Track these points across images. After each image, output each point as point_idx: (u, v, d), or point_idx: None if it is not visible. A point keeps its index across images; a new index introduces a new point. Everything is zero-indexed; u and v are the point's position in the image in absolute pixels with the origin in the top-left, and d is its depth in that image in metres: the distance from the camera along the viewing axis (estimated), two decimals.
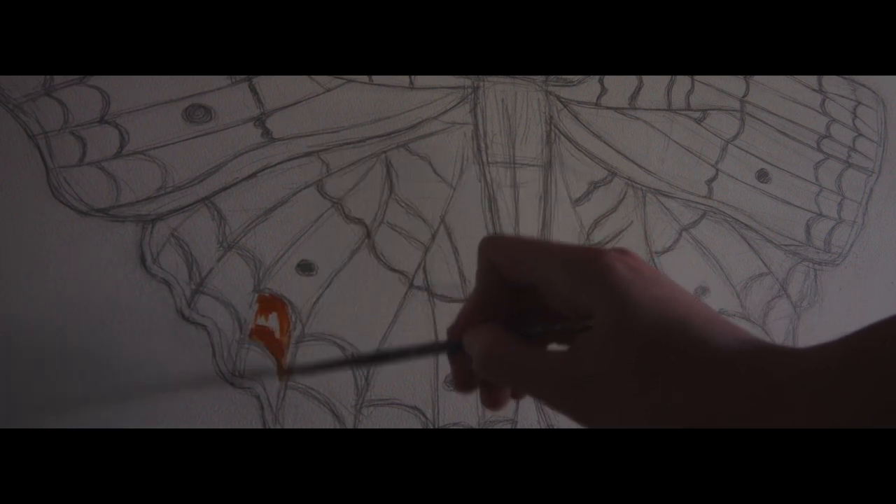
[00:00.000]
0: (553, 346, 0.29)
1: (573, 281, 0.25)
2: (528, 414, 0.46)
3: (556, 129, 0.48)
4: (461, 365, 0.30)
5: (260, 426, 0.39)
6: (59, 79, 0.37)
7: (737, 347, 0.23)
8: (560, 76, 0.48)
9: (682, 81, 0.51)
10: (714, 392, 0.22)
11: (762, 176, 0.53)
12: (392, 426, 0.42)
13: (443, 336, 0.44)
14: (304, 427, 0.40)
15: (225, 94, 0.40)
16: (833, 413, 0.20)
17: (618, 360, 0.23)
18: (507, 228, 0.46)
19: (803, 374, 0.21)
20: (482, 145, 0.46)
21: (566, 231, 0.47)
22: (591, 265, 0.25)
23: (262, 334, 0.40)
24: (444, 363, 0.44)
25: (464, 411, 0.44)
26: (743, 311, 0.52)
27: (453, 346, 0.30)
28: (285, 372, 0.40)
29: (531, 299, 0.29)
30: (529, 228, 0.46)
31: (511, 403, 0.45)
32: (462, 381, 0.31)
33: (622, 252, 0.26)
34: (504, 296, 0.29)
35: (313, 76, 0.42)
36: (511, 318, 0.29)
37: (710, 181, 0.52)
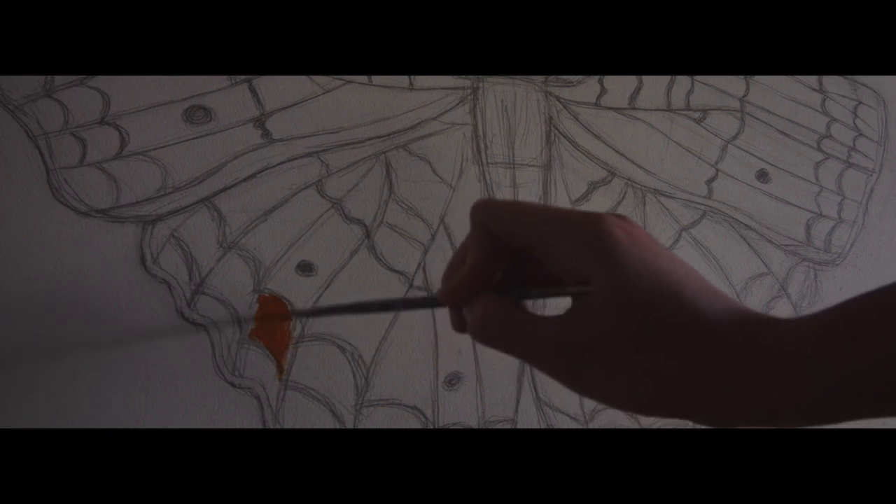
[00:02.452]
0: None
1: (572, 244, 0.25)
2: (528, 414, 0.46)
3: (555, 129, 0.48)
4: (458, 315, 0.30)
5: (260, 426, 0.39)
6: (59, 80, 0.37)
7: (729, 318, 0.23)
8: (560, 76, 0.48)
9: (682, 81, 0.51)
10: (707, 361, 0.22)
11: (762, 176, 0.53)
12: (392, 426, 0.42)
13: (443, 337, 0.44)
14: (304, 427, 0.40)
15: (225, 94, 0.40)
16: (820, 381, 0.20)
17: (615, 327, 0.23)
18: None
19: (792, 343, 0.22)
20: (482, 146, 0.46)
21: None
22: (589, 229, 0.25)
23: (262, 334, 0.40)
24: (444, 364, 0.44)
25: (464, 411, 0.44)
26: None
27: (444, 305, 0.30)
28: (290, 315, 0.40)
29: (525, 263, 0.29)
30: None
31: (511, 403, 0.45)
32: (458, 325, 0.30)
33: (621, 218, 0.26)
34: (497, 260, 0.28)
35: (313, 77, 0.42)
36: (503, 282, 0.29)
37: (710, 181, 0.52)
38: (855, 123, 0.56)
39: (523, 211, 0.27)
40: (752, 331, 0.23)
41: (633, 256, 0.24)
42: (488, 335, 0.27)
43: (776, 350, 0.22)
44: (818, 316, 0.22)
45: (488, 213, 0.28)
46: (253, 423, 0.39)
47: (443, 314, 0.44)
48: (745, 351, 0.22)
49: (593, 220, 0.25)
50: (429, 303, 0.31)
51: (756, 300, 0.52)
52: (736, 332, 0.23)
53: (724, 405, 0.22)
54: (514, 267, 0.29)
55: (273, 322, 0.40)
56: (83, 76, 0.37)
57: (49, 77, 0.37)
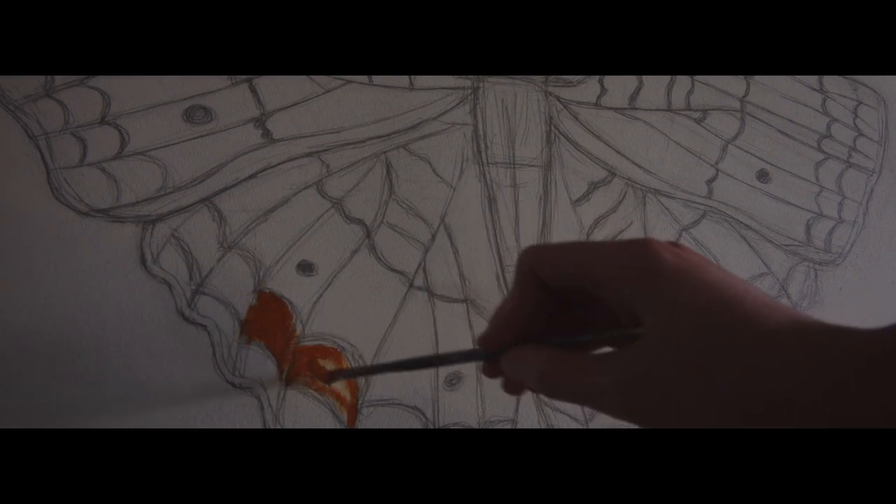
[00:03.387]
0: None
1: (619, 269, 0.25)
2: (528, 414, 0.46)
3: (555, 129, 0.48)
4: (492, 368, 0.30)
5: (260, 426, 0.39)
6: (59, 80, 0.37)
7: (796, 329, 0.22)
8: (560, 76, 0.48)
9: (682, 81, 0.51)
10: (774, 375, 0.21)
11: (762, 176, 0.53)
12: (392, 426, 0.42)
13: (443, 337, 0.44)
14: (304, 427, 0.40)
15: (225, 94, 0.40)
16: (888, 390, 0.19)
17: (674, 353, 0.23)
18: (507, 229, 0.46)
19: (866, 356, 0.20)
20: (482, 146, 0.46)
21: (566, 231, 0.47)
22: (637, 252, 0.24)
23: (256, 329, 0.40)
24: None
25: (464, 411, 0.44)
26: None
27: (488, 356, 0.29)
28: (327, 378, 0.40)
29: (569, 307, 0.28)
30: (529, 229, 0.46)
31: (511, 403, 0.45)
32: (492, 372, 0.30)
33: (672, 243, 0.25)
34: (543, 305, 0.28)
35: (313, 77, 0.42)
36: (548, 328, 0.29)
37: (710, 181, 0.52)
38: (855, 123, 0.56)
39: (572, 248, 0.27)
40: (822, 343, 0.21)
41: (683, 276, 0.23)
42: (555, 391, 0.26)
43: (850, 362, 0.20)
44: (891, 328, 0.21)
45: (538, 259, 0.27)
46: (253, 423, 0.39)
47: (443, 315, 0.44)
48: (816, 364, 0.21)
49: (639, 244, 0.25)
50: (474, 355, 0.31)
51: None
52: (805, 344, 0.21)
53: (797, 420, 0.21)
54: (562, 314, 0.29)
55: (273, 322, 0.40)
56: (83, 76, 0.37)
57: (49, 77, 0.37)
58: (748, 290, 0.23)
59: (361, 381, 0.42)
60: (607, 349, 0.27)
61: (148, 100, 0.38)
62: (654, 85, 0.50)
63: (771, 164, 0.53)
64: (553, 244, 0.28)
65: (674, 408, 0.23)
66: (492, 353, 0.29)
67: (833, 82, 0.56)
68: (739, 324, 0.22)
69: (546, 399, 0.46)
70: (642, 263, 0.24)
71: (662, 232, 0.50)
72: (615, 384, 0.24)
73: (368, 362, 0.42)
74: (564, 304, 0.29)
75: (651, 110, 0.50)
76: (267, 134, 0.41)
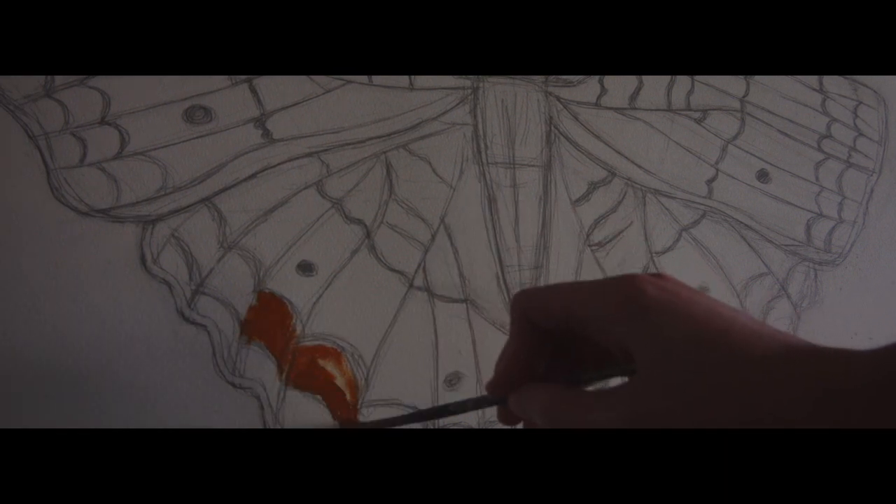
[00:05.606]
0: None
1: (605, 314, 0.25)
2: None
3: (555, 129, 0.48)
4: (506, 413, 0.30)
5: (260, 426, 0.39)
6: (59, 80, 0.37)
7: (783, 353, 0.22)
8: (560, 76, 0.48)
9: (682, 81, 0.51)
10: (766, 400, 0.21)
11: (762, 176, 0.53)
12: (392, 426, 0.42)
13: (443, 337, 0.44)
14: (304, 427, 0.40)
15: (225, 94, 0.40)
16: (882, 414, 0.19)
17: (665, 390, 0.23)
18: (507, 229, 0.46)
19: (858, 377, 0.20)
20: (482, 146, 0.46)
21: (566, 231, 0.47)
22: (622, 292, 0.25)
23: (256, 329, 0.40)
24: (444, 363, 0.44)
25: None
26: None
27: (497, 402, 0.30)
28: (348, 423, 0.41)
29: (568, 345, 0.29)
30: (529, 229, 0.46)
31: None
32: (508, 419, 0.31)
33: (655, 276, 0.25)
34: (541, 346, 0.29)
35: (313, 77, 0.42)
36: (549, 368, 0.29)
37: (710, 181, 0.52)
38: (855, 123, 0.56)
39: (559, 290, 0.27)
40: (813, 365, 0.21)
41: (669, 309, 0.23)
42: (559, 426, 0.27)
43: (841, 385, 0.20)
44: (888, 350, 0.21)
45: (528, 303, 0.28)
46: (253, 423, 0.39)
47: (443, 315, 0.44)
48: (802, 386, 0.21)
49: (625, 283, 0.25)
50: (483, 402, 0.32)
51: (756, 300, 0.52)
52: (795, 367, 0.21)
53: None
54: (563, 353, 0.29)
55: (273, 322, 0.40)
56: (83, 76, 0.37)
57: (49, 77, 0.37)
58: (736, 319, 0.23)
59: (361, 381, 0.42)
60: (612, 383, 0.27)
61: (148, 100, 0.38)
62: (654, 85, 0.50)
63: (771, 164, 0.53)
64: (542, 288, 0.29)
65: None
66: (499, 398, 0.30)
67: (833, 82, 0.56)
68: (727, 354, 0.22)
69: None
70: (627, 301, 0.24)
71: (662, 232, 0.50)
72: (616, 420, 0.24)
73: (368, 362, 0.42)
74: (565, 342, 0.29)
75: (651, 110, 0.50)
76: (267, 134, 0.41)
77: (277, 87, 0.41)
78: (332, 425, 0.41)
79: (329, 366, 0.41)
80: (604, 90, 0.49)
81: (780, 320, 0.53)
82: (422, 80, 0.44)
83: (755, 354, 0.22)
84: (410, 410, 0.43)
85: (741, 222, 0.52)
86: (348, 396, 0.41)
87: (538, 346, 0.29)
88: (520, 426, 0.32)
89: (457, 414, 0.36)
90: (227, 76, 0.40)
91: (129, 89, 0.38)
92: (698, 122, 0.51)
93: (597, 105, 0.49)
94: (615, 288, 0.25)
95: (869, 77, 0.57)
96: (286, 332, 0.41)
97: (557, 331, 0.28)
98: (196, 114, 0.39)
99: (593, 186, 0.48)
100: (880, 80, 0.57)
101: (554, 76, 0.48)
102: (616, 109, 0.49)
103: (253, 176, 0.40)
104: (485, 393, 0.31)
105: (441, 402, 0.44)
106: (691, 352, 0.23)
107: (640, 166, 0.50)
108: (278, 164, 0.41)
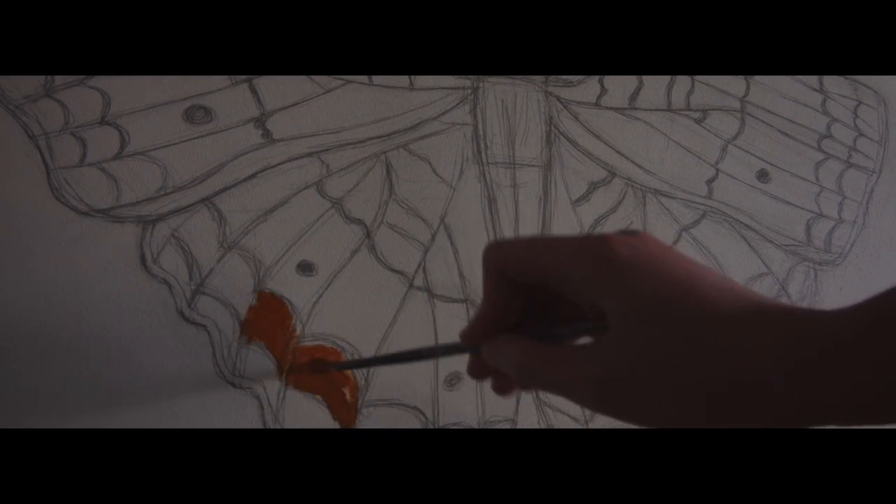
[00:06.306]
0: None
1: (580, 272, 0.25)
2: (527, 414, 0.46)
3: (555, 129, 0.48)
4: (476, 360, 0.30)
5: (260, 426, 0.39)
6: (59, 80, 0.37)
7: (753, 310, 0.22)
8: (560, 76, 0.48)
9: (682, 81, 0.51)
10: (725, 353, 0.22)
11: (762, 176, 0.53)
12: (392, 426, 0.42)
13: (443, 337, 0.44)
14: (304, 427, 0.40)
15: (225, 94, 0.40)
16: (854, 374, 0.20)
17: (635, 347, 0.23)
18: (507, 229, 0.46)
19: (832, 337, 0.20)
20: (482, 146, 0.46)
21: (566, 231, 0.47)
22: (595, 253, 0.25)
23: (256, 329, 0.40)
24: (444, 363, 0.44)
25: (464, 411, 0.44)
26: None
27: (470, 349, 0.30)
28: (315, 367, 0.40)
29: (542, 298, 0.28)
30: (529, 229, 0.46)
31: (511, 403, 0.45)
32: (476, 372, 0.31)
33: (629, 234, 0.25)
34: (514, 299, 0.29)
35: (313, 77, 0.42)
36: (524, 320, 0.29)
37: (710, 181, 0.52)
38: (855, 123, 0.56)
39: (533, 246, 0.27)
40: (787, 324, 0.21)
41: (640, 268, 0.24)
42: (530, 382, 0.27)
43: (815, 343, 0.21)
44: (858, 308, 0.21)
45: (500, 254, 0.28)
46: (253, 423, 0.39)
47: (443, 315, 0.44)
48: (782, 345, 0.21)
49: (598, 243, 0.25)
50: (456, 349, 0.32)
51: None
52: (769, 325, 0.22)
53: (762, 406, 0.21)
54: (537, 307, 0.29)
55: (273, 322, 0.40)
56: (83, 76, 0.37)
57: (49, 77, 0.37)
58: (706, 277, 0.24)
59: (361, 381, 0.42)
60: (583, 340, 0.27)
61: (148, 100, 0.38)
62: (654, 85, 0.50)
63: (771, 164, 0.53)
64: (515, 239, 0.28)
65: (641, 398, 0.23)
66: (472, 347, 0.30)
67: (833, 82, 0.56)
68: (696, 309, 0.23)
69: (545, 399, 0.46)
70: (599, 262, 0.24)
71: (663, 232, 0.50)
72: (584, 379, 0.24)
73: None
74: (539, 294, 0.29)
75: (651, 110, 0.50)
76: (267, 134, 0.41)
77: (277, 87, 0.41)
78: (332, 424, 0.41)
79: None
80: (604, 90, 0.49)
81: None
82: (422, 80, 0.44)
83: (725, 311, 0.22)
84: (410, 410, 0.43)
85: (741, 222, 0.52)
86: (348, 396, 0.41)
87: (512, 298, 0.28)
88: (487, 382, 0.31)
89: (428, 359, 0.36)
90: (227, 76, 0.40)
91: (129, 89, 0.38)
92: (698, 122, 0.51)
93: (597, 105, 0.49)
94: (588, 248, 0.25)
95: (869, 77, 0.57)
96: (286, 332, 0.41)
97: (530, 284, 0.28)
98: (196, 114, 0.39)
99: (593, 186, 0.48)
100: (880, 80, 0.57)
101: (554, 76, 0.48)
102: (616, 109, 0.49)
103: (253, 176, 0.40)
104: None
105: (441, 403, 0.44)
106: (661, 309, 0.23)
107: (640, 166, 0.50)
108: (278, 164, 0.41)
